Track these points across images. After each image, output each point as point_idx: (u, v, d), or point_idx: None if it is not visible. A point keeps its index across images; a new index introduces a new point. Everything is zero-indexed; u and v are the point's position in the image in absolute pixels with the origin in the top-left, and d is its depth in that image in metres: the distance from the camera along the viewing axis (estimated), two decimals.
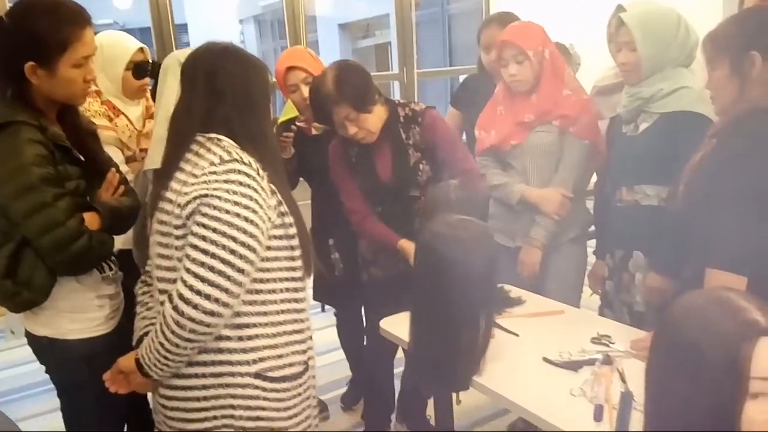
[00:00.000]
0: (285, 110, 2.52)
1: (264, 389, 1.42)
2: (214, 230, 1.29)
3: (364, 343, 2.64)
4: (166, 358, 1.34)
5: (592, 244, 2.31)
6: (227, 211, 1.30)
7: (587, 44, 3.02)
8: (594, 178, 2.40)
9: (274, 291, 1.43)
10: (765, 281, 1.25)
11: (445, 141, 2.14)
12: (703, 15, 2.16)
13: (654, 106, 1.90)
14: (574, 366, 1.58)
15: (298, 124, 2.42)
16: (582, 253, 2.39)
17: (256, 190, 1.34)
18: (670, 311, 0.95)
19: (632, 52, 1.90)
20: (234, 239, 1.29)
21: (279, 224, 1.41)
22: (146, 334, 1.43)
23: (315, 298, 2.62)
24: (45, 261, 1.54)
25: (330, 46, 12.20)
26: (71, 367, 1.67)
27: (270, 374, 1.43)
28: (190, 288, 1.28)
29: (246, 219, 1.31)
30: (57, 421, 1.81)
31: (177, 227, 1.34)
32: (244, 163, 1.35)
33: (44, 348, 1.68)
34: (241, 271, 1.30)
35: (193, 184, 1.33)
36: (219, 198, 1.30)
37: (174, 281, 1.33)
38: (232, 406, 1.40)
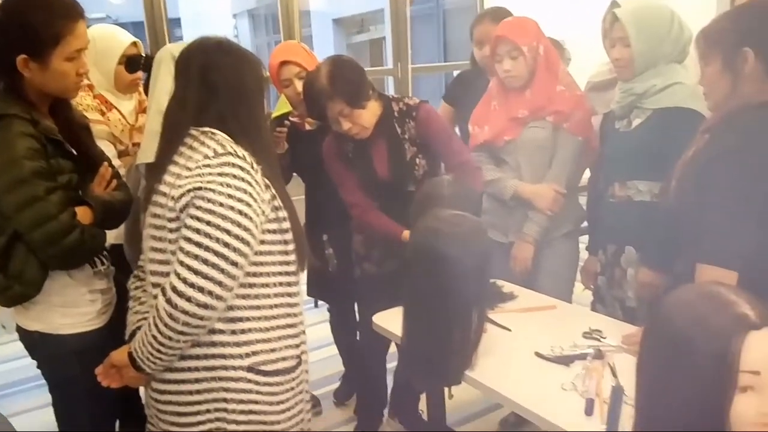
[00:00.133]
0: (278, 105, 2.51)
1: (257, 383, 1.42)
2: (208, 223, 1.29)
3: (357, 338, 2.64)
4: (159, 351, 1.34)
5: (584, 239, 2.32)
6: (221, 204, 1.30)
7: (580, 40, 3.03)
8: (587, 173, 2.41)
9: (267, 285, 1.43)
10: (755, 276, 1.26)
11: (440, 134, 2.14)
12: (697, 11, 2.17)
13: (647, 101, 1.90)
14: (565, 360, 1.59)
15: (291, 119, 2.41)
16: (574, 249, 2.40)
17: (250, 184, 1.34)
18: (660, 306, 0.96)
19: (626, 47, 1.90)
20: (228, 232, 1.29)
21: (273, 218, 1.42)
22: (139, 328, 1.43)
23: (309, 293, 2.62)
24: (37, 255, 1.54)
25: (324, 41, 12.18)
26: (63, 361, 1.67)
27: (263, 368, 1.43)
28: (184, 281, 1.28)
29: (240, 212, 1.31)
30: (49, 416, 1.80)
31: (171, 220, 1.34)
32: (239, 157, 1.35)
33: (36, 343, 1.67)
34: (234, 264, 1.30)
35: (187, 177, 1.33)
36: (213, 191, 1.30)
37: (167, 275, 1.33)
38: (225, 400, 1.41)
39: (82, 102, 2.09)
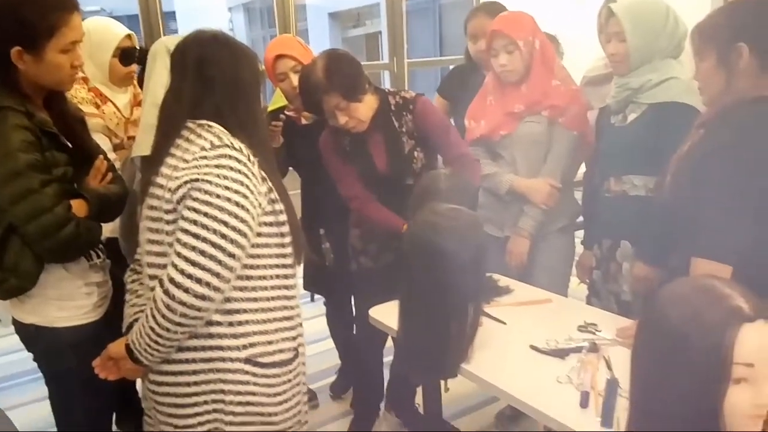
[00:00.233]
0: (274, 99, 2.51)
1: (254, 374, 1.43)
2: (205, 214, 1.29)
3: (354, 332, 2.65)
4: (156, 342, 1.34)
5: (580, 234, 2.33)
6: (218, 196, 1.30)
7: (575, 35, 3.03)
8: (583, 168, 2.41)
9: (264, 277, 1.43)
10: (750, 270, 1.26)
11: (437, 127, 2.14)
12: (692, 6, 2.17)
13: (642, 96, 1.91)
14: (560, 354, 1.60)
15: (287, 113, 2.41)
16: (570, 243, 2.41)
17: (246, 176, 1.35)
18: (655, 299, 0.96)
19: (622, 42, 1.91)
20: (225, 223, 1.30)
21: (269, 211, 1.42)
22: (136, 320, 1.44)
23: (305, 287, 2.62)
24: (32, 248, 1.53)
25: (320, 35, 12.16)
26: (59, 354, 1.67)
27: (260, 360, 1.43)
28: (181, 272, 1.28)
29: (237, 204, 1.31)
30: (45, 410, 1.80)
31: (167, 212, 1.34)
32: (235, 149, 1.36)
33: (32, 336, 1.67)
34: (231, 255, 1.31)
35: (183, 169, 1.33)
36: (210, 182, 1.30)
37: (165, 267, 1.33)
38: (223, 391, 1.41)
39: (77, 95, 2.09)
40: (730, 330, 0.86)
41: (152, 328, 1.33)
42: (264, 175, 1.41)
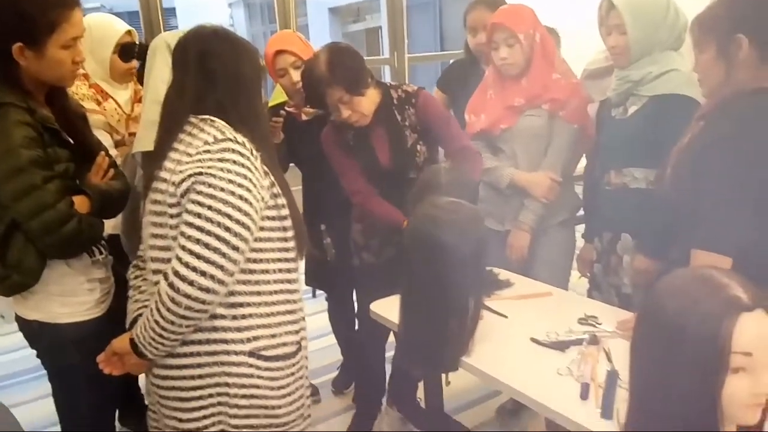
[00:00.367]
0: (274, 95, 2.51)
1: (258, 368, 1.44)
2: (209, 207, 1.30)
3: (356, 327, 2.65)
4: (161, 336, 1.35)
5: (581, 228, 2.33)
6: (222, 189, 1.30)
7: (576, 28, 3.02)
8: (584, 162, 2.41)
9: (267, 271, 1.44)
10: (750, 262, 1.26)
11: (440, 120, 2.14)
12: None
13: (643, 89, 1.91)
14: (561, 346, 1.60)
15: (287, 109, 2.41)
16: (570, 237, 2.41)
17: (250, 170, 1.35)
18: (654, 289, 0.97)
19: (622, 35, 1.91)
20: (229, 216, 1.30)
21: (272, 205, 1.43)
22: (140, 316, 1.44)
23: (307, 283, 2.62)
24: (35, 244, 1.54)
25: (320, 30, 12.14)
26: (62, 351, 1.67)
27: (264, 353, 1.44)
28: (186, 265, 1.29)
29: (240, 197, 1.32)
30: (49, 407, 1.80)
31: (171, 206, 1.35)
32: (238, 143, 1.36)
33: (35, 332, 1.68)
34: (236, 248, 1.31)
35: (187, 163, 1.34)
36: (214, 176, 1.31)
37: (168, 261, 1.34)
38: (227, 384, 1.42)
39: (78, 91, 2.09)
40: (728, 319, 0.86)
41: (157, 322, 1.33)
42: (266, 169, 1.41)
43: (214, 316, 1.38)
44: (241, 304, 1.41)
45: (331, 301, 2.82)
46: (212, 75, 1.40)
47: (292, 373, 1.51)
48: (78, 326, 1.66)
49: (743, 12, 1.40)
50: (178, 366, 1.42)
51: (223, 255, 1.30)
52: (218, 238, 1.29)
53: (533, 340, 1.66)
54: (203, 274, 1.29)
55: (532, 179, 2.26)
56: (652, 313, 0.95)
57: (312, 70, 1.98)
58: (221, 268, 1.30)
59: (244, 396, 1.43)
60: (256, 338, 1.43)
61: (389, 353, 2.52)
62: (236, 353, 1.41)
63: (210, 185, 1.30)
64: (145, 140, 1.63)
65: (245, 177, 1.34)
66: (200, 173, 1.31)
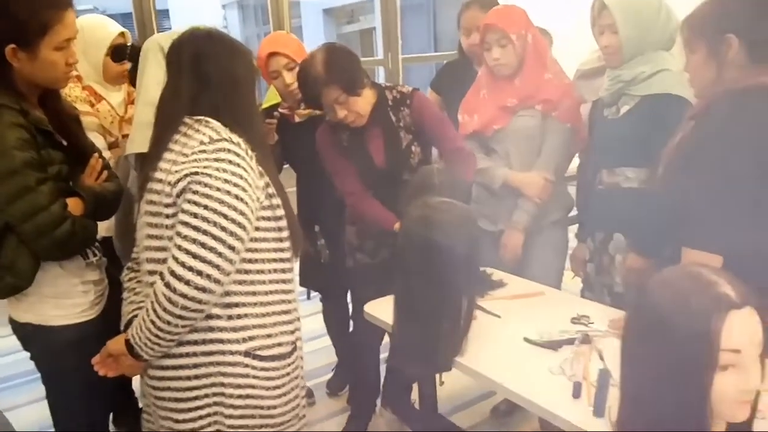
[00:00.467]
0: (268, 96, 2.51)
1: (254, 368, 1.44)
2: (205, 207, 1.30)
3: (350, 329, 2.66)
4: (157, 336, 1.35)
5: (575, 228, 2.34)
6: (218, 189, 1.31)
7: (568, 28, 3.03)
8: (577, 161, 2.42)
9: (262, 271, 1.44)
10: (740, 259, 1.27)
11: (434, 121, 2.15)
12: None
13: (635, 88, 1.91)
14: (553, 345, 1.61)
15: (281, 110, 2.41)
16: (563, 237, 2.42)
17: (245, 170, 1.36)
18: (644, 287, 0.97)
19: (614, 34, 1.92)
20: (225, 216, 1.31)
21: (267, 205, 1.43)
22: (135, 317, 1.44)
23: (301, 284, 2.62)
24: (28, 246, 1.54)
25: (314, 31, 12.14)
26: (56, 353, 1.67)
27: (259, 353, 1.45)
28: (182, 264, 1.29)
29: (236, 197, 1.32)
30: (44, 410, 1.79)
31: (167, 206, 1.36)
32: (234, 143, 1.37)
33: (29, 335, 1.68)
34: (232, 248, 1.32)
35: (183, 163, 1.34)
36: (210, 176, 1.31)
37: (164, 261, 1.34)
38: (223, 384, 1.42)
39: (71, 93, 2.09)
40: (717, 317, 0.87)
41: (153, 322, 1.34)
42: (261, 169, 1.42)
43: (209, 317, 1.39)
44: (236, 304, 1.41)
45: (325, 302, 2.82)
46: (207, 77, 1.41)
47: (288, 373, 1.51)
48: (72, 328, 1.66)
49: (732, 12, 1.41)
50: (173, 366, 1.43)
51: (220, 254, 1.30)
52: (214, 237, 1.30)
53: (526, 339, 1.66)
54: (199, 273, 1.29)
55: (525, 179, 2.27)
56: (642, 310, 0.96)
57: (308, 70, 1.98)
58: (217, 267, 1.31)
59: (239, 396, 1.44)
60: (251, 338, 1.43)
61: (384, 355, 2.52)
62: (232, 353, 1.42)
63: (206, 185, 1.31)
64: (138, 142, 1.63)
65: (241, 177, 1.34)
66: (196, 173, 1.32)
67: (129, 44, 2.21)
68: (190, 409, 1.44)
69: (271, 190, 1.44)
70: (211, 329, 1.40)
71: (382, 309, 1.88)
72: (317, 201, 2.40)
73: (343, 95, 1.98)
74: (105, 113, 2.18)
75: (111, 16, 2.45)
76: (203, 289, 1.30)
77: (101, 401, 1.82)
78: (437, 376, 1.78)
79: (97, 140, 2.01)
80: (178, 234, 1.31)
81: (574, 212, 2.42)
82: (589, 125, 2.20)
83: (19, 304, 1.64)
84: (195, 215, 1.30)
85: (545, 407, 1.38)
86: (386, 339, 2.28)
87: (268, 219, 1.44)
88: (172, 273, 1.29)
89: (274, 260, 1.47)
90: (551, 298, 1.99)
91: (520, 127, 2.27)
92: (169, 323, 1.33)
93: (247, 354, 1.43)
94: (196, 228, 1.30)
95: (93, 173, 1.71)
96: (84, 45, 2.05)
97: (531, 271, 2.27)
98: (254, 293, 1.44)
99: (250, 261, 1.41)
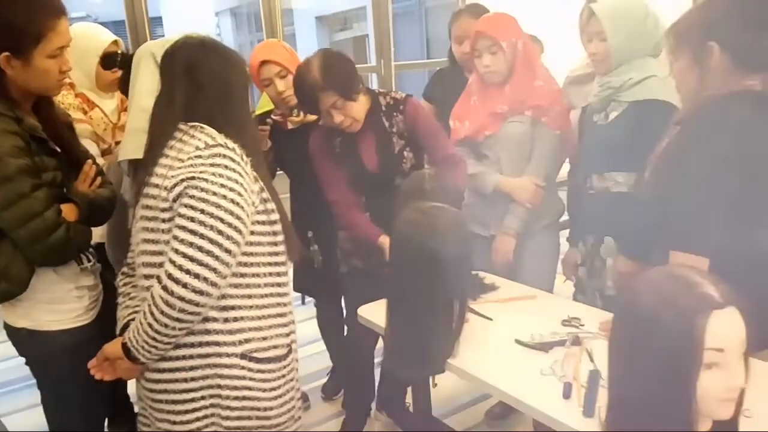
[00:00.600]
0: (260, 103, 2.53)
1: (250, 369, 1.45)
2: (202, 211, 1.32)
3: (345, 333, 2.66)
4: (154, 339, 1.36)
5: (566, 233, 2.36)
6: (214, 193, 1.33)
7: (557, 36, 3.07)
8: (568, 166, 2.45)
9: (258, 275, 1.46)
10: (726, 262, 1.29)
11: (427, 128, 2.17)
12: (672, 6, 2.21)
13: (623, 95, 1.94)
14: (544, 347, 1.63)
15: (273, 117, 2.43)
16: (554, 241, 2.44)
17: (240, 174, 1.38)
18: (630, 288, 0.99)
19: (602, 42, 1.94)
20: (221, 220, 1.32)
21: (262, 210, 1.45)
22: (131, 321, 1.45)
23: (295, 289, 2.63)
24: (23, 252, 1.54)
25: (307, 38, 12.16)
26: (51, 358, 1.68)
27: (255, 355, 1.46)
28: (179, 267, 1.30)
29: (232, 201, 1.34)
30: (40, 416, 1.79)
31: (164, 210, 1.37)
32: (229, 148, 1.39)
33: (24, 340, 1.68)
34: (228, 251, 1.33)
35: (179, 168, 1.36)
36: (206, 180, 1.33)
37: (161, 265, 1.35)
38: (219, 386, 1.44)
39: (64, 101, 2.10)
40: (700, 316, 0.89)
41: (150, 325, 1.35)
42: (256, 174, 1.44)
43: (206, 319, 1.40)
44: (232, 307, 1.43)
45: (320, 307, 2.83)
46: (200, 84, 1.43)
47: (283, 375, 1.53)
48: (67, 333, 1.67)
49: (715, 20, 1.44)
50: (170, 369, 1.44)
51: (216, 258, 1.32)
52: (211, 241, 1.31)
53: (518, 341, 1.68)
54: (196, 276, 1.31)
55: (516, 184, 2.29)
56: (628, 311, 0.98)
57: (305, 76, 1.99)
58: (214, 270, 1.32)
59: (236, 398, 1.45)
60: (247, 340, 1.45)
61: (378, 359, 2.53)
62: (228, 355, 1.43)
63: (202, 189, 1.32)
64: (131, 148, 1.64)
65: (236, 182, 1.36)
66: (192, 178, 1.33)
67: (119, 52, 2.22)
68: (187, 411, 1.45)
69: (266, 194, 1.46)
70: (207, 332, 1.42)
71: (375, 312, 1.89)
72: (310, 206, 2.42)
73: (340, 100, 1.99)
74: (98, 120, 2.19)
75: (104, 23, 2.47)
76: (200, 292, 1.31)
77: (96, 406, 1.82)
78: (430, 378, 1.79)
79: (91, 147, 2.02)
80: (175, 238, 1.33)
81: (566, 217, 2.44)
82: (578, 131, 2.22)
83: (14, 309, 1.65)
84: (192, 219, 1.32)
85: (536, 408, 1.39)
86: (380, 343, 2.29)
87: (263, 223, 1.46)
88: (170, 276, 1.31)
89: (269, 264, 1.49)
90: (543, 301, 2.01)
91: (511, 133, 2.29)
92: (166, 326, 1.34)
93: (243, 356, 1.44)
94: (192, 232, 1.31)
95: (87, 180, 1.72)
96: (77, 53, 2.05)
97: (523, 276, 2.29)
98: (250, 296, 1.45)
99: (245, 264, 1.43)
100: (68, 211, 1.59)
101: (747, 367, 0.94)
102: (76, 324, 1.68)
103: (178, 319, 1.33)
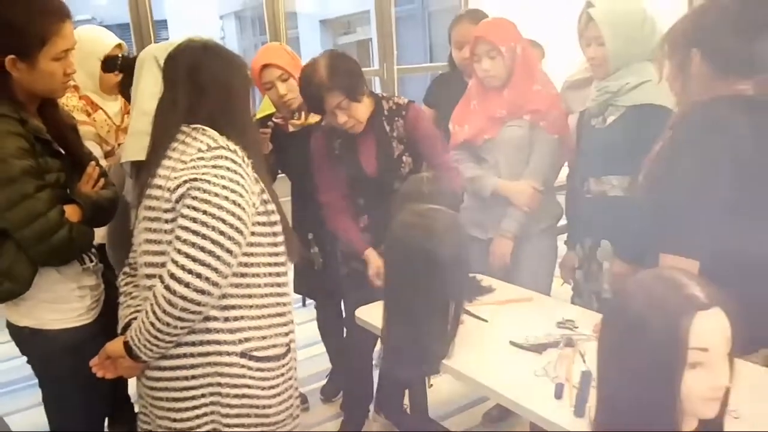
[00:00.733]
0: (262, 106, 2.55)
1: (249, 368, 1.48)
2: (205, 212, 1.34)
3: (344, 336, 2.68)
4: (156, 338, 1.39)
5: (565, 237, 2.37)
6: (216, 194, 1.35)
7: (556, 41, 3.08)
8: (566, 171, 2.46)
9: (258, 275, 1.48)
10: (716, 264, 1.31)
11: (427, 134, 2.19)
12: (670, 11, 2.23)
13: (621, 99, 1.95)
14: (538, 348, 1.65)
15: (275, 120, 2.45)
16: (552, 244, 2.45)
17: (242, 176, 1.40)
18: (619, 290, 1.01)
19: (600, 46, 1.96)
20: (223, 221, 1.35)
21: (262, 211, 1.47)
22: (133, 320, 1.48)
23: (296, 290, 2.65)
24: (26, 252, 1.57)
25: (311, 42, 12.18)
26: (53, 357, 1.69)
27: (255, 354, 1.48)
28: (182, 267, 1.33)
29: (234, 202, 1.37)
30: (42, 415, 1.81)
31: (166, 211, 1.39)
32: (231, 150, 1.41)
33: (26, 338, 1.70)
34: (229, 251, 1.36)
35: (182, 169, 1.38)
36: (209, 182, 1.36)
37: (162, 265, 1.38)
38: (219, 384, 1.46)
39: (68, 103, 2.12)
40: (685, 317, 0.91)
41: (152, 324, 1.37)
42: (257, 176, 1.46)
43: (207, 318, 1.42)
44: (233, 307, 1.45)
45: (319, 309, 2.85)
46: (202, 87, 1.45)
47: (282, 374, 1.55)
48: (68, 332, 1.69)
49: (700, 26, 1.46)
50: (171, 367, 1.46)
51: (218, 258, 1.34)
52: (213, 241, 1.34)
53: (512, 343, 1.70)
54: (198, 276, 1.33)
55: (514, 188, 2.31)
56: (616, 311, 1.00)
57: (311, 75, 2.01)
58: (216, 270, 1.34)
59: (236, 396, 1.47)
60: (247, 339, 1.47)
61: (377, 361, 2.55)
62: (228, 354, 1.45)
63: (205, 191, 1.35)
64: (133, 150, 1.67)
65: (238, 183, 1.39)
66: (195, 179, 1.36)
67: (120, 55, 2.24)
68: (187, 409, 1.47)
69: (266, 196, 1.48)
70: (208, 331, 1.44)
71: (373, 314, 1.91)
72: (311, 209, 2.44)
73: (346, 101, 2.01)
74: (101, 122, 2.22)
75: (108, 26, 2.49)
76: (201, 292, 1.34)
77: (97, 404, 1.83)
78: (426, 379, 1.81)
79: (94, 149, 2.04)
80: (178, 238, 1.35)
81: (564, 221, 2.45)
82: (576, 135, 2.23)
83: (16, 309, 1.67)
84: (194, 220, 1.34)
85: (529, 408, 1.41)
86: (379, 345, 2.31)
87: (264, 224, 1.48)
88: (172, 275, 1.33)
89: (269, 264, 1.51)
90: (538, 304, 2.02)
91: (509, 137, 2.31)
92: (168, 324, 1.36)
93: (243, 355, 1.47)
94: (195, 232, 1.34)
95: (90, 181, 1.74)
96: (80, 56, 2.07)
97: (520, 279, 2.30)
98: (250, 296, 1.48)
99: (246, 265, 1.45)
100: (71, 212, 1.62)
101: (732, 367, 0.95)
102: (78, 323, 1.70)
103: (180, 318, 1.36)
